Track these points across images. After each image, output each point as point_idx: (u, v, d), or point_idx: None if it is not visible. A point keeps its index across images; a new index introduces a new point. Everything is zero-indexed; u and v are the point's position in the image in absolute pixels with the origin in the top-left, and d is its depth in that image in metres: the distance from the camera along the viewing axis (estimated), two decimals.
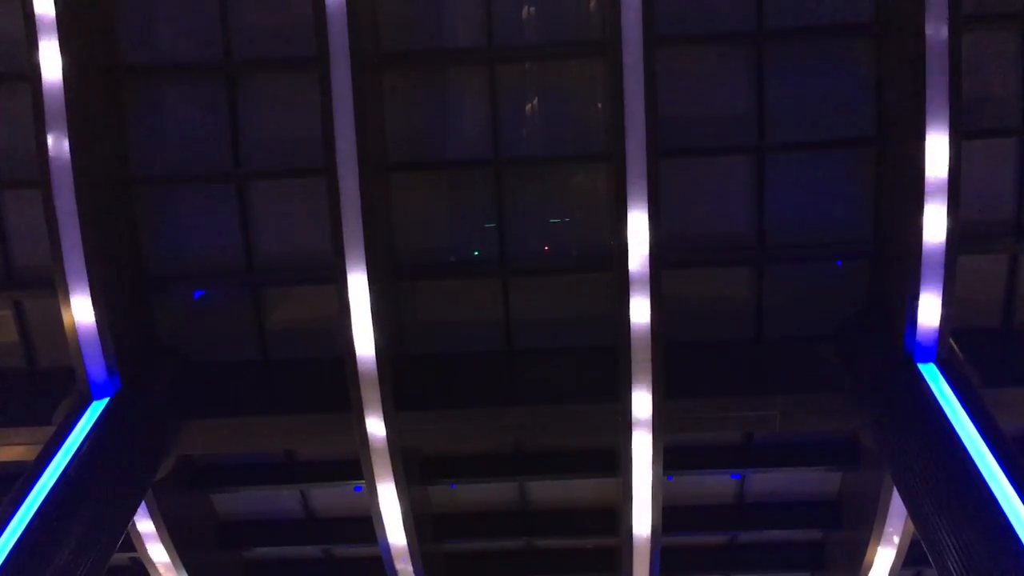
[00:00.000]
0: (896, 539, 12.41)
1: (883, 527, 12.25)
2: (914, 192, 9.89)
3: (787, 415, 11.08)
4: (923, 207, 9.89)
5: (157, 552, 13.10)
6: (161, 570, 13.41)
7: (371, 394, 10.89)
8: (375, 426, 11.13)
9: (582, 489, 13.72)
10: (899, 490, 10.12)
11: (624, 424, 10.98)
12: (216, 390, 11.91)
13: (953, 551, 8.70)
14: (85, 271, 10.61)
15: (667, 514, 12.30)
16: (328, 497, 13.95)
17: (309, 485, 13.43)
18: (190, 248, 11.91)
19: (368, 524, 12.53)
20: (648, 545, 12.64)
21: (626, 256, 10.33)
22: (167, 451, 11.37)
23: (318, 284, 11.58)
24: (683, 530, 13.76)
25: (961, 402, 9.85)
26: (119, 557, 14.71)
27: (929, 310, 10.35)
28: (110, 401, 10.89)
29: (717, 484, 13.79)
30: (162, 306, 12.06)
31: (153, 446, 11.07)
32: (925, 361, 10.49)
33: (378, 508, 12.10)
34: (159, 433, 11.18)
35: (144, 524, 12.61)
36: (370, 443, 11.27)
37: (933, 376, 10.31)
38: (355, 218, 10.41)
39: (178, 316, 12.24)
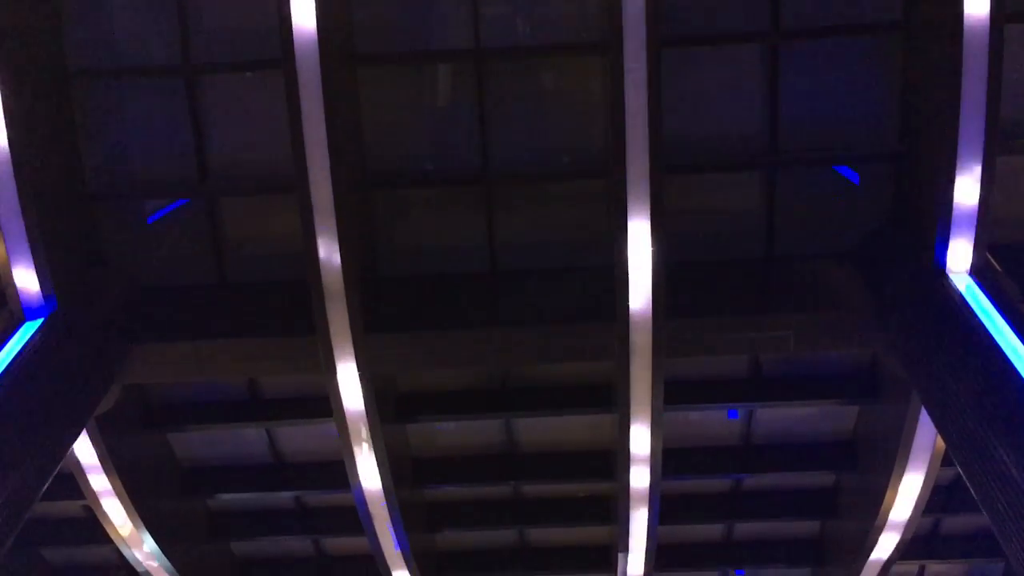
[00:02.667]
0: (918, 480, 11.34)
1: (904, 467, 11.15)
2: (948, 78, 8.70)
3: (802, 336, 9.92)
4: (959, 93, 8.71)
5: (109, 501, 11.99)
6: (115, 520, 12.28)
7: (337, 313, 9.70)
8: (343, 349, 9.95)
9: (574, 429, 12.62)
10: (931, 414, 9.01)
11: (621, 347, 9.82)
12: (168, 313, 10.73)
13: (997, 478, 7.64)
14: (12, 177, 9.36)
15: (667, 456, 11.21)
16: (297, 439, 12.82)
17: (275, 424, 12.29)
18: (136, 155, 10.67)
19: (341, 469, 11.40)
20: (646, 489, 11.55)
21: (623, 157, 9.11)
22: (111, 378, 10.20)
23: (278, 193, 10.38)
24: (684, 474, 12.67)
25: (1002, 315, 8.72)
26: (70, 507, 13.63)
27: (963, 216, 9.21)
28: (44, 322, 9.69)
29: (721, 425, 12.68)
30: (106, 221, 10.82)
31: (94, 372, 9.89)
32: (958, 273, 9.35)
33: (349, 447, 10.96)
34: (102, 358, 10.00)
35: (93, 469, 11.49)
36: (337, 369, 10.10)
37: (969, 288, 9.17)
38: (317, 114, 9.15)
39: (126, 233, 11.02)
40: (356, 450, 11.05)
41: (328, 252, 9.41)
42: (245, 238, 11.19)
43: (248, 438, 12.77)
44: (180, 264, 11.18)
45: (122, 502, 11.93)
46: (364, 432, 10.90)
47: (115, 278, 10.82)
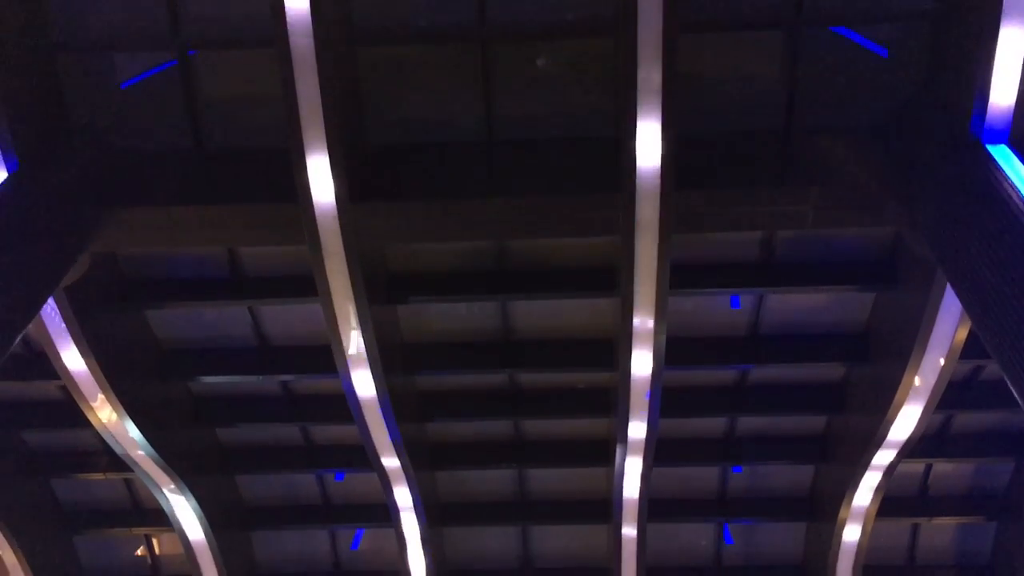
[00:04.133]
0: (934, 373, 10.77)
1: (921, 358, 10.57)
2: None
3: (821, 211, 9.19)
4: None
5: (86, 382, 11.46)
6: (92, 402, 11.77)
7: (321, 177, 8.96)
8: (327, 218, 9.25)
9: (574, 314, 11.98)
10: (958, 291, 8.32)
11: (626, 219, 9.11)
12: (141, 177, 9.98)
13: None
14: None
15: (671, 346, 10.62)
16: (283, 321, 12.20)
17: (258, 303, 11.65)
18: (103, 6, 9.76)
19: (330, 354, 10.83)
20: (648, 378, 10.99)
21: (635, 9, 8.23)
22: (81, 243, 9.52)
23: (257, 50, 9.54)
24: (688, 364, 12.11)
25: None
26: (49, 389, 13.14)
27: (1003, 81, 8.39)
28: (5, 181, 8.95)
29: (728, 314, 12.05)
30: (75, 81, 9.96)
31: (62, 235, 9.21)
32: (995, 143, 8.58)
33: (335, 328, 10.36)
34: (69, 221, 9.29)
35: (67, 346, 10.92)
36: (322, 241, 9.42)
37: (1006, 158, 8.41)
38: None
39: (97, 96, 10.16)
40: (343, 331, 10.46)
41: (309, 108, 8.62)
42: (223, 101, 10.35)
43: (231, 319, 12.15)
44: (154, 128, 10.36)
45: (99, 383, 11.40)
46: (352, 312, 10.28)
47: (85, 140, 10.02)
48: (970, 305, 8.13)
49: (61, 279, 9.45)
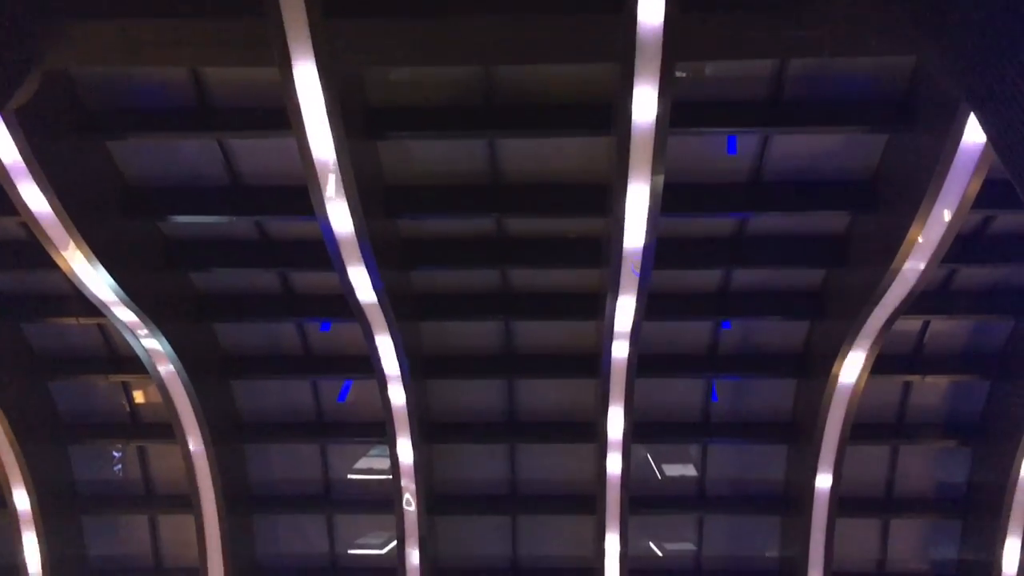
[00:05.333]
0: (943, 223, 10.20)
1: (931, 207, 9.98)
2: None
3: (841, 36, 8.40)
4: None
5: (48, 220, 10.80)
6: (57, 242, 11.16)
7: None
8: (299, 36, 8.41)
9: (565, 156, 11.28)
10: (988, 130, 7.64)
11: (626, 43, 8.30)
12: None
13: None
14: None
15: (668, 192, 10.00)
16: (256, 157, 11.48)
17: (227, 135, 10.91)
18: None
19: (306, 195, 10.16)
20: (643, 223, 10.39)
21: None
22: (27, 61, 8.66)
23: None
24: (686, 211, 11.53)
25: None
26: (8, 225, 12.51)
27: None
28: None
29: (730, 159, 11.38)
30: None
31: (6, 49, 8.35)
32: None
33: (310, 162, 9.66)
34: (14, 34, 8.41)
35: (24, 178, 10.21)
36: (293, 62, 8.60)
37: None
38: None
39: None
40: (319, 167, 9.76)
41: None
42: None
43: (200, 153, 11.43)
44: None
45: (62, 221, 10.76)
46: (328, 145, 9.56)
47: None
48: (1000, 144, 7.48)
49: (12, 96, 8.62)
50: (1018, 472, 13.02)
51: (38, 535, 14.49)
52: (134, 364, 13.67)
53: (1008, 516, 13.32)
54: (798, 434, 14.43)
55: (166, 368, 13.28)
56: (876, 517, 15.21)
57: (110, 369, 14.63)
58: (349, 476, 15.84)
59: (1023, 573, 13.52)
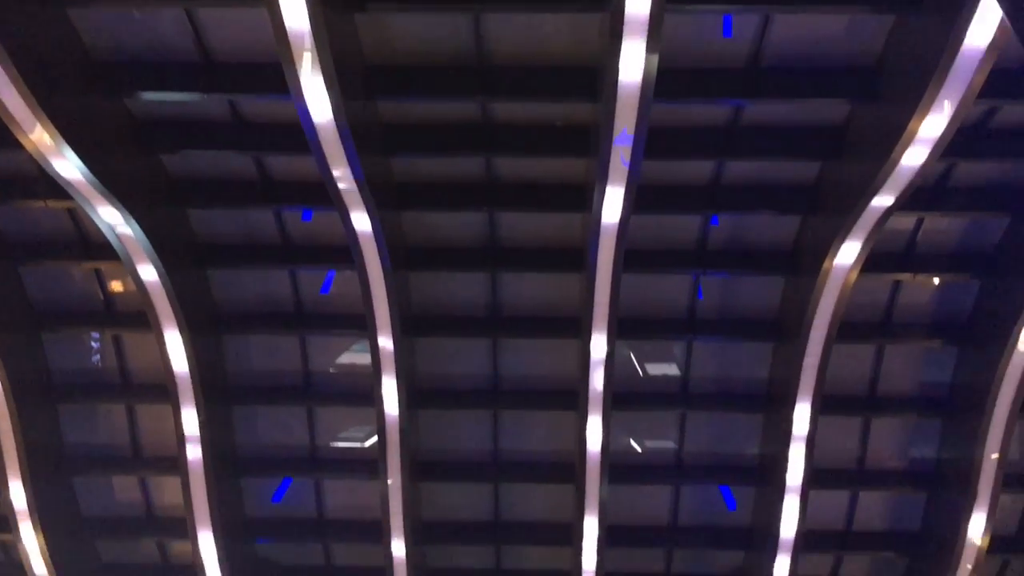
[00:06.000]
0: (947, 113, 9.80)
1: (936, 93, 9.54)
2: None
3: None
4: None
5: (8, 93, 10.19)
6: (18, 117, 10.57)
7: None
8: None
9: (555, 35, 10.77)
10: (1005, 4, 7.17)
11: None
12: None
13: None
14: None
15: (662, 77, 9.46)
16: (226, 31, 10.89)
17: (196, 3, 10.25)
18: None
19: (281, 72, 9.60)
20: (634, 109, 9.92)
21: None
22: None
23: None
24: (679, 98, 11.06)
25: None
26: None
27: None
28: None
29: (726, 43, 10.87)
30: None
31: None
32: None
33: (282, 29, 9.08)
34: None
35: None
36: None
37: None
38: None
39: None
40: (292, 39, 9.19)
41: None
42: None
43: (166, 24, 10.80)
44: None
45: (23, 96, 10.17)
46: (304, 17, 8.97)
47: None
48: (1018, 19, 7.01)
49: None
50: (1004, 371, 12.93)
51: (12, 422, 14.28)
52: (107, 251, 13.21)
53: (990, 416, 13.30)
54: (784, 332, 14.27)
55: (139, 255, 12.84)
56: (858, 415, 15.22)
57: (81, 255, 14.21)
58: (329, 369, 15.65)
59: (1001, 471, 13.59)
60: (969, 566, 14.19)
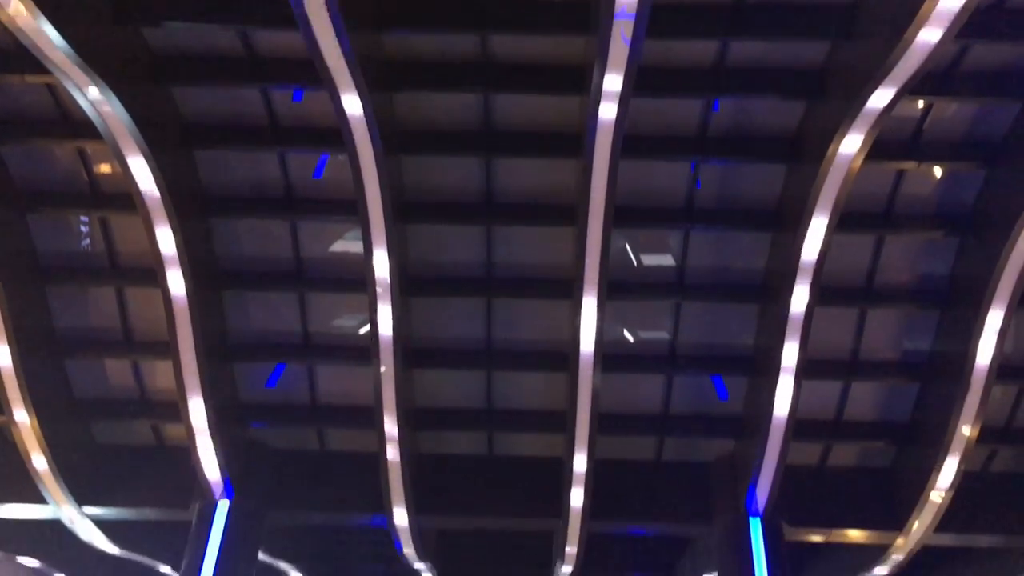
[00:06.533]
0: None
1: None
2: None
3: None
4: None
5: None
6: None
7: None
8: None
9: None
10: None
11: None
12: None
13: None
14: None
15: None
16: None
17: None
18: None
19: None
20: None
21: None
22: None
23: None
24: None
25: None
26: None
27: None
28: None
29: None
30: None
31: None
32: None
33: None
34: None
35: None
36: None
37: None
38: None
39: None
40: None
41: None
42: None
43: None
44: None
45: None
46: None
47: None
48: None
49: None
50: (1005, 263, 12.72)
51: (0, 304, 14.10)
52: (90, 129, 12.79)
53: (988, 307, 13.14)
54: (783, 222, 14.02)
55: (121, 133, 12.42)
56: (854, 307, 15.10)
57: (64, 134, 13.79)
58: (322, 255, 15.41)
59: (996, 362, 13.53)
60: (957, 456, 14.28)
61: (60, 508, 16.21)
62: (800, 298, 13.65)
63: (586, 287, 13.68)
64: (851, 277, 14.87)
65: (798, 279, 13.49)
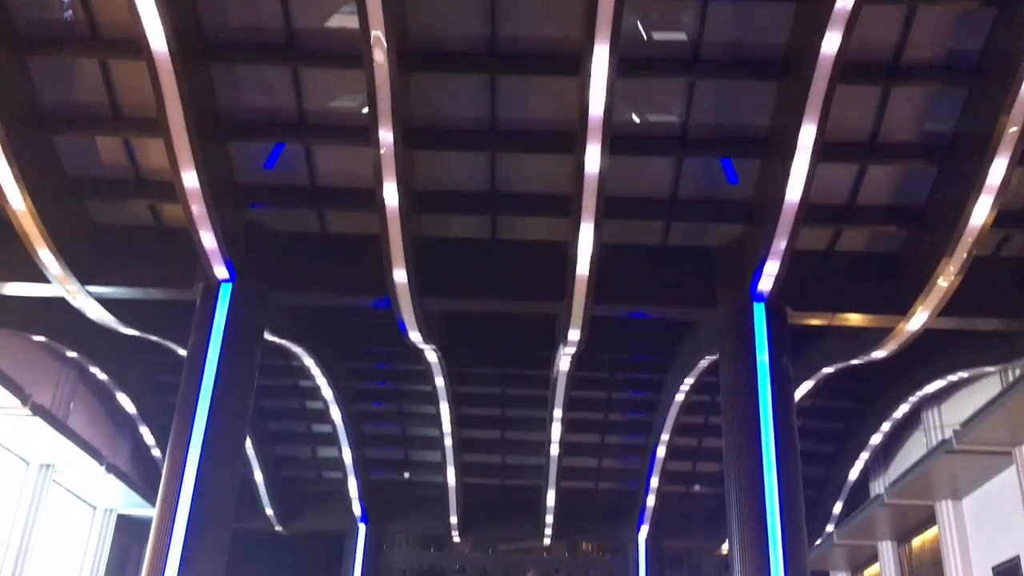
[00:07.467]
0: None
1: None
2: None
3: None
4: None
5: None
6: None
7: None
8: None
9: None
10: None
11: None
12: None
13: None
14: None
15: None
16: None
17: None
18: None
19: None
20: None
21: None
22: None
23: None
24: None
25: None
26: None
27: None
28: None
29: None
30: None
31: None
32: None
33: None
34: None
35: None
36: None
37: None
38: None
39: None
40: None
41: None
42: None
43: None
44: None
45: None
46: None
47: None
48: None
49: None
50: None
51: None
52: None
53: (1021, 82, 12.34)
54: None
55: None
56: (879, 84, 14.27)
57: None
58: (316, 26, 14.43)
59: (1022, 143, 12.89)
60: (971, 239, 13.94)
61: (63, 287, 16.14)
62: (822, 76, 12.85)
63: (595, 62, 12.82)
64: (878, 53, 13.95)
65: (821, 54, 12.62)
